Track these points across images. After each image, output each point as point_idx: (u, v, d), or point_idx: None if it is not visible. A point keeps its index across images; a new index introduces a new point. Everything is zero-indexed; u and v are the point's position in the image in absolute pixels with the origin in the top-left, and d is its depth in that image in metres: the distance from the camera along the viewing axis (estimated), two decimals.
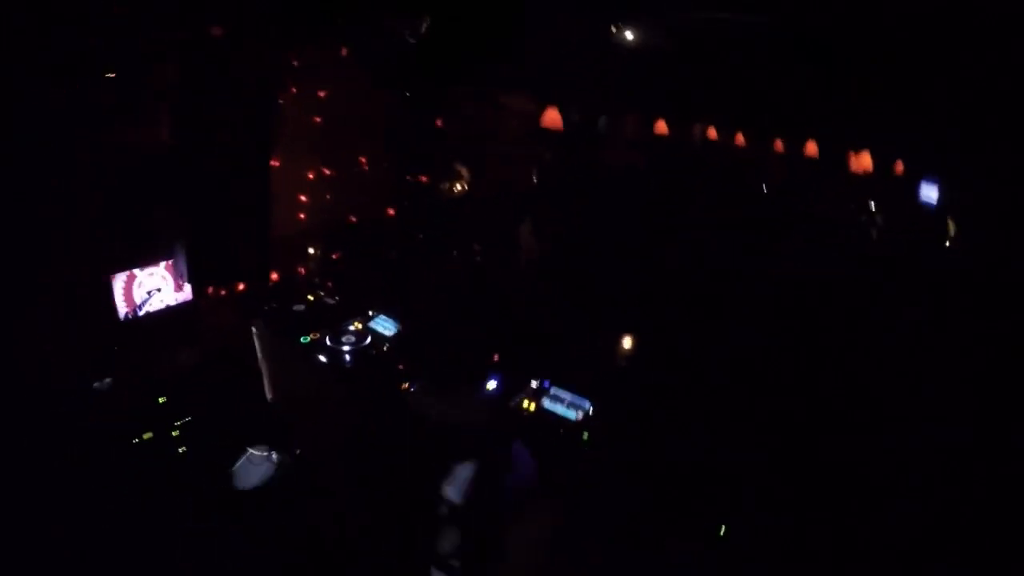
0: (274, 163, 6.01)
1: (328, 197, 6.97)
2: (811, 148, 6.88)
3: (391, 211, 7.51)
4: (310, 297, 6.46)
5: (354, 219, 7.26)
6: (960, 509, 3.04)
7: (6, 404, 4.02)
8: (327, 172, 6.96)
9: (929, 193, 5.82)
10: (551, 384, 5.08)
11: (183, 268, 5.37)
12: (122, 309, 4.87)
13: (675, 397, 4.79)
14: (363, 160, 7.25)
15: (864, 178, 6.30)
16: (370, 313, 6.15)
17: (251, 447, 4.58)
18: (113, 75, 4.39)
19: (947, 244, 5.50)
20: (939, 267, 5.37)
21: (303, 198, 6.82)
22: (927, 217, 5.77)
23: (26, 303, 4.33)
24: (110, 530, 3.90)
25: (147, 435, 4.71)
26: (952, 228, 5.45)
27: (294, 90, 6.30)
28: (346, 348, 5.61)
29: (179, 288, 5.28)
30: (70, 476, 4.05)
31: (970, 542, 2.87)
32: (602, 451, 4.44)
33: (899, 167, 6.18)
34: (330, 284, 6.75)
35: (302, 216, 6.81)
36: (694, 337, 5.50)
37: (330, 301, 6.48)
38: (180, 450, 4.88)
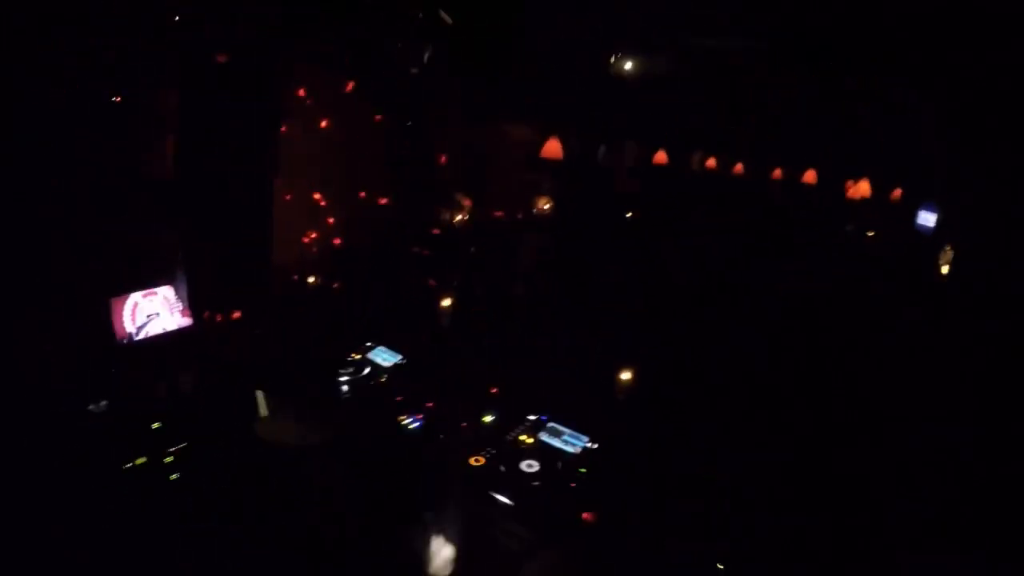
0: (281, 192, 6.11)
1: (328, 226, 7.01)
2: (810, 176, 6.92)
3: (391, 238, 7.54)
4: None
5: (354, 247, 7.29)
6: (960, 509, 3.01)
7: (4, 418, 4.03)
8: (327, 201, 7.01)
9: (927, 219, 5.82)
10: (549, 418, 5.06)
11: (183, 293, 5.42)
12: (121, 333, 4.87)
13: (679, 414, 4.80)
14: (364, 191, 7.30)
15: (862, 204, 6.33)
16: (368, 344, 6.13)
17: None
18: (119, 99, 4.45)
19: (944, 271, 5.51)
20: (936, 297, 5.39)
21: (304, 228, 6.86)
22: (924, 242, 5.78)
23: (26, 323, 4.34)
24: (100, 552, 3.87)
25: (140, 460, 4.68)
26: (950, 255, 5.45)
27: (298, 119, 6.37)
28: (344, 379, 5.58)
29: (178, 313, 5.29)
30: (64, 495, 4.03)
31: (971, 542, 2.85)
32: (602, 490, 4.41)
33: (897, 194, 6.21)
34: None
35: (303, 244, 6.85)
36: (696, 342, 5.50)
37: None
38: (172, 477, 4.84)
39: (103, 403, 4.53)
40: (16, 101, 4.10)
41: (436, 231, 8.05)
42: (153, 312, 5.10)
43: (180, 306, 5.30)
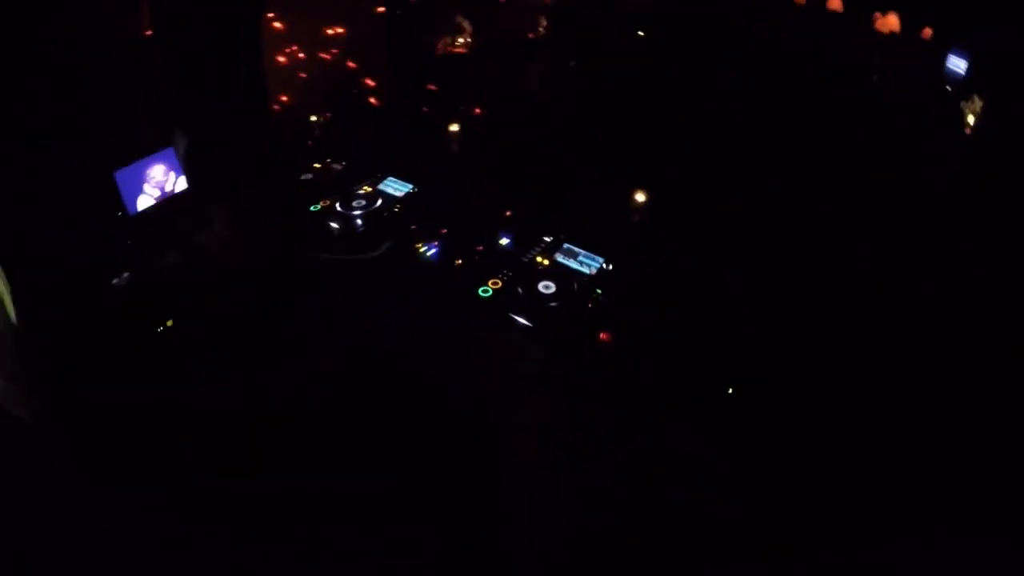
0: (268, 32, 5.75)
1: (327, 61, 6.67)
2: (834, 2, 6.40)
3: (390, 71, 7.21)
4: (316, 165, 6.40)
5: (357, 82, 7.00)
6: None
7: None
8: (326, 34, 6.62)
9: (957, 64, 5.44)
10: (564, 239, 5.16)
11: (184, 153, 5.31)
12: (128, 203, 4.86)
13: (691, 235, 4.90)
14: (361, 21, 6.86)
15: (888, 39, 5.90)
16: (379, 175, 6.12)
17: None
18: None
19: (969, 123, 5.25)
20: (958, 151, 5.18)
21: (301, 64, 6.55)
22: (951, 88, 5.46)
23: (37, 205, 4.33)
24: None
25: (169, 323, 4.87)
26: (978, 104, 5.17)
27: None
28: (357, 212, 5.64)
29: (181, 175, 5.23)
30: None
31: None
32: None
33: (927, 32, 5.76)
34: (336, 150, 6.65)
35: (300, 83, 6.57)
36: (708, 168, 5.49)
37: (337, 167, 6.42)
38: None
39: (125, 275, 4.64)
40: None
41: (454, 51, 7.68)
42: (157, 178, 5.06)
43: (183, 167, 5.23)
